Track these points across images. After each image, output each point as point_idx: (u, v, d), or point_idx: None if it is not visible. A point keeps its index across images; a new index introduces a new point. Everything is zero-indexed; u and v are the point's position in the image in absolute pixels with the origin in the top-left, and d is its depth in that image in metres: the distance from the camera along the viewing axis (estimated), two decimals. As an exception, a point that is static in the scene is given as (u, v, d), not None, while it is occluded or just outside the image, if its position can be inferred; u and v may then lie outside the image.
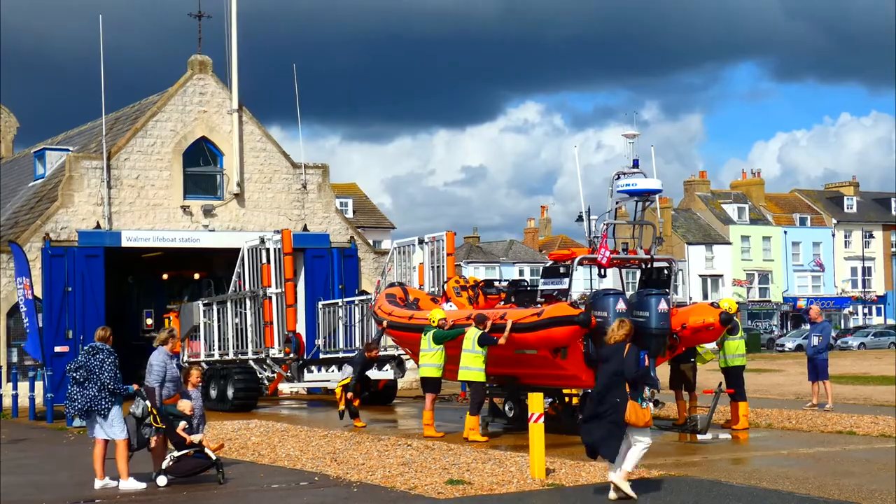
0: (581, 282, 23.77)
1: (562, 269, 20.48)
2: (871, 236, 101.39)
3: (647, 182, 20.55)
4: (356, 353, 26.02)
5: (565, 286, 20.23)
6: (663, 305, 19.60)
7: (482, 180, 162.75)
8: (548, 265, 21.32)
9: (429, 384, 21.51)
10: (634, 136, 20.98)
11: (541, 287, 21.14)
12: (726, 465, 16.42)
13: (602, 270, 20.62)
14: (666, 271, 20.99)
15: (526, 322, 19.62)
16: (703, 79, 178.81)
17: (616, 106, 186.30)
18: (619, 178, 20.63)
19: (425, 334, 21.26)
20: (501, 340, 19.78)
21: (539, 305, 20.37)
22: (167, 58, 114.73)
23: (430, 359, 21.20)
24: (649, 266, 21.09)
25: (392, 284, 25.89)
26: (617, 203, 20.90)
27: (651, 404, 20.01)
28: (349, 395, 23.61)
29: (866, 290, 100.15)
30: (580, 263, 20.33)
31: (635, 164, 20.68)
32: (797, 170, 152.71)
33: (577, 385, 20.74)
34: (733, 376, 21.56)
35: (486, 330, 20.11)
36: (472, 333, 20.22)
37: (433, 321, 21.26)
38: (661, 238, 22.01)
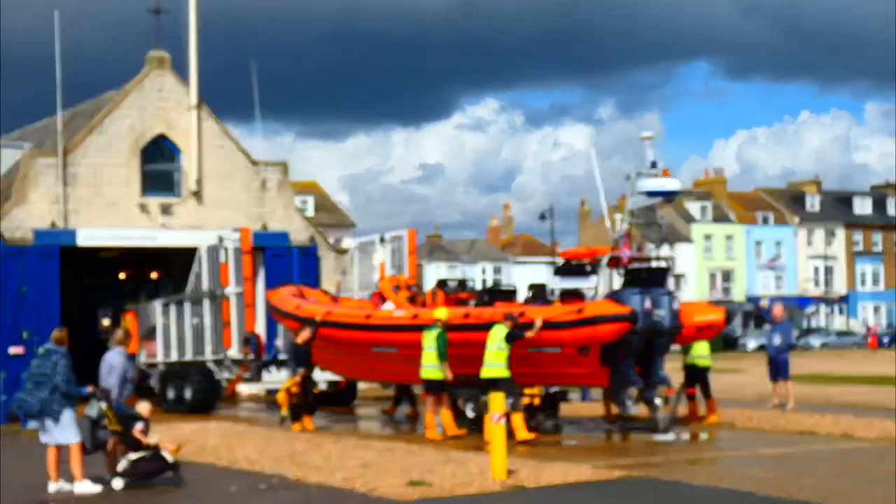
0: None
1: (588, 268, 20.59)
2: (834, 235, 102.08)
3: (672, 183, 21.31)
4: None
5: (588, 284, 20.47)
6: (675, 305, 20.32)
7: (440, 178, 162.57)
8: (566, 263, 21.58)
9: (431, 386, 20.87)
10: (651, 138, 21.36)
11: (556, 285, 21.33)
12: (687, 465, 16.38)
13: (620, 269, 20.86)
14: (663, 271, 21.43)
15: (564, 320, 19.49)
16: (657, 77, 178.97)
17: (572, 103, 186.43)
18: (629, 178, 20.95)
19: (427, 332, 20.71)
20: (530, 333, 19.51)
21: (552, 303, 20.59)
22: (125, 53, 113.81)
23: (432, 359, 20.60)
24: (652, 265, 21.50)
25: (284, 283, 26.04)
26: (635, 203, 21.26)
27: (661, 401, 20.14)
28: (291, 388, 22.75)
29: (829, 289, 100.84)
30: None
31: (653, 164, 21.04)
32: (756, 167, 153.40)
33: (592, 384, 21.13)
34: (699, 375, 22.22)
35: (515, 327, 19.64)
36: (499, 331, 19.69)
37: (441, 320, 20.64)
38: (665, 238, 22.63)
